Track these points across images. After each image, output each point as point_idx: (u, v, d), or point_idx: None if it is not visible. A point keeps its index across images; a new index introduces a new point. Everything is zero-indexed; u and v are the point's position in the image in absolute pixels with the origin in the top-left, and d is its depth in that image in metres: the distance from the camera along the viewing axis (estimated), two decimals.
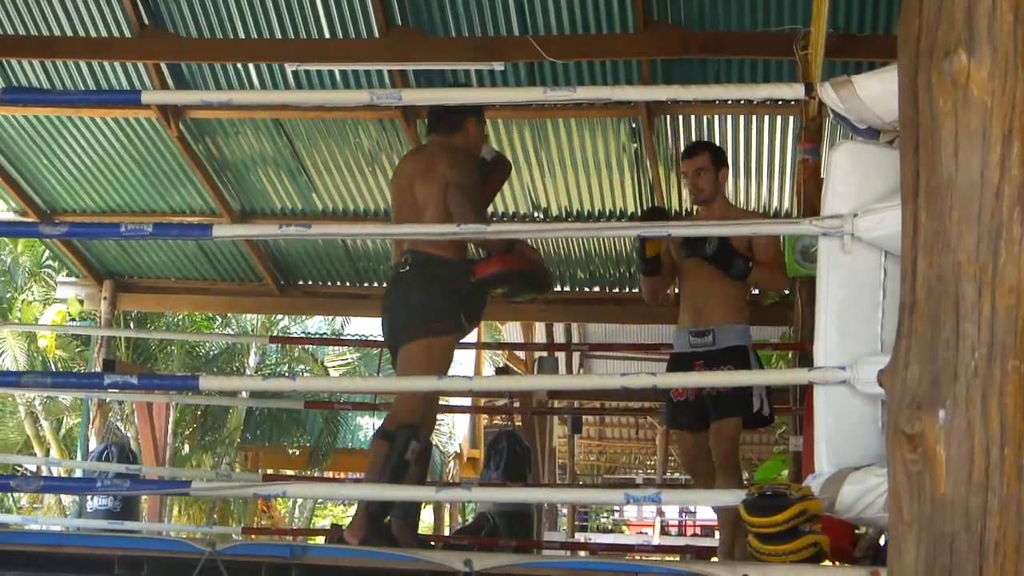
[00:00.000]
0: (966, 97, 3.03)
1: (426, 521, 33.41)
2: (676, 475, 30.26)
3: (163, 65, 11.60)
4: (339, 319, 26.40)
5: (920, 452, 3.01)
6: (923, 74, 3.11)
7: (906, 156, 3.19)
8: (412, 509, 6.90)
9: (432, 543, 7.59)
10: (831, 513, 4.22)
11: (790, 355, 10.75)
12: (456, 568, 4.18)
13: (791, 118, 11.22)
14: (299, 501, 28.68)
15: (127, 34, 11.25)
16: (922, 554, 3.01)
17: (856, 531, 6.03)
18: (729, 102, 11.40)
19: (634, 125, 11.80)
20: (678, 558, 11.13)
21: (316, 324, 27.13)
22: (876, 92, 4.39)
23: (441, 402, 15.27)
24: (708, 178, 7.53)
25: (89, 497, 13.24)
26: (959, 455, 2.96)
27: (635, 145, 12.04)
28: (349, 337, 25.83)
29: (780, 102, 11.08)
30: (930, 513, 3.00)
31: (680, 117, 11.64)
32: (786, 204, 12.45)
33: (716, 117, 11.62)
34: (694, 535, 29.43)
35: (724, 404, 7.20)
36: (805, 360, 8.45)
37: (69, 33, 11.30)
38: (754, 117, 11.56)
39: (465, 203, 6.61)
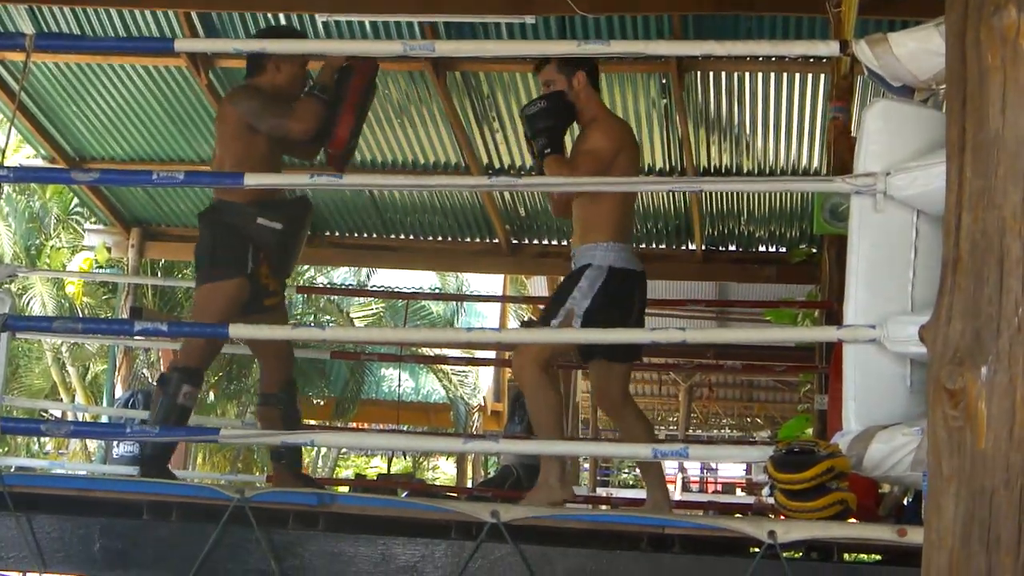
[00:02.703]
0: (1015, 53, 3.02)
1: (448, 473, 33.60)
2: (699, 432, 30.32)
3: (193, 14, 11.59)
4: (365, 270, 26.42)
5: (961, 408, 3.01)
6: (971, 30, 3.10)
7: (952, 112, 3.18)
8: (292, 456, 6.95)
9: (321, 484, 7.49)
10: (858, 471, 4.23)
11: (816, 313, 10.72)
12: (483, 519, 4.19)
13: (822, 76, 11.16)
14: (322, 451, 28.77)
15: None
16: (961, 509, 3.02)
17: (879, 490, 6.03)
18: (760, 59, 11.36)
19: (664, 81, 11.76)
20: (701, 514, 11.13)
21: (341, 275, 27.14)
22: (911, 50, 4.37)
23: (466, 354, 15.28)
24: (560, 86, 6.61)
25: (115, 443, 13.30)
26: (1000, 411, 2.96)
27: (664, 101, 12.00)
28: (375, 288, 25.86)
29: (811, 60, 11.04)
30: (970, 469, 3.00)
31: (711, 73, 11.59)
32: (815, 162, 12.41)
33: (746, 74, 11.56)
34: (715, 492, 29.51)
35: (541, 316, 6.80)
36: (832, 318, 8.45)
37: None
38: (784, 75, 11.50)
39: (261, 113, 6.66)
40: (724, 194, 12.91)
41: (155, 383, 6.76)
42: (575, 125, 6.60)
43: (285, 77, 6.91)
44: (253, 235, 6.63)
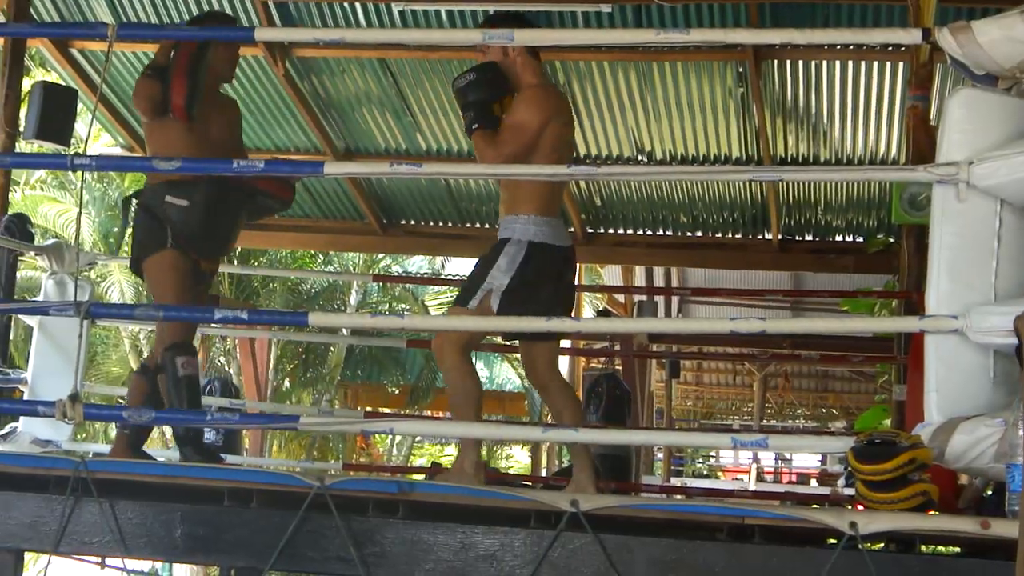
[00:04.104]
0: None
1: (522, 461, 33.63)
2: (773, 422, 30.19)
3: (270, 2, 11.65)
4: (439, 258, 26.49)
5: None
6: None
7: None
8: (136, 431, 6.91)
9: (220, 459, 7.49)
10: (940, 462, 4.20)
11: (894, 303, 10.64)
12: (563, 508, 4.20)
13: (901, 64, 11.08)
14: (397, 439, 28.86)
15: None
16: None
17: (958, 481, 5.98)
18: (838, 47, 11.28)
19: (741, 69, 11.71)
20: (777, 504, 11.09)
21: (417, 263, 27.23)
22: (996, 38, 4.33)
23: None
24: (494, 55, 6.31)
25: None
26: None
27: (741, 89, 11.95)
28: (450, 276, 25.93)
29: (890, 47, 10.96)
30: None
31: (788, 62, 11.52)
32: (893, 150, 12.32)
33: (824, 62, 11.49)
34: (790, 482, 29.38)
35: (458, 293, 6.46)
36: (911, 309, 8.39)
37: None
38: (863, 63, 11.42)
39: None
40: (801, 183, 12.86)
41: (137, 375, 6.87)
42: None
43: (220, 61, 6.94)
44: (165, 213, 6.71)
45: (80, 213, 20.69)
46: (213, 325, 11.32)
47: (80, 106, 11.78)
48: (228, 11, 11.75)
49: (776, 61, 11.50)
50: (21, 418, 9.62)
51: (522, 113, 6.08)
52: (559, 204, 6.32)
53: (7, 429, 9.65)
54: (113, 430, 22.50)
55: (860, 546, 3.95)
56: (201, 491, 4.70)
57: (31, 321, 10.68)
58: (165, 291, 6.69)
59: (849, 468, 4.30)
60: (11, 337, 11.80)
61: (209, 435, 12.99)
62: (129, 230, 7.01)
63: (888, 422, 9.47)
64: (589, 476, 6.12)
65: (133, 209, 6.92)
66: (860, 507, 4.43)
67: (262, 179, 6.93)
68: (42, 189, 23.56)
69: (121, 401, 15.90)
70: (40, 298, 10.01)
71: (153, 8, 11.86)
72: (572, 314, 6.76)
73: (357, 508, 4.47)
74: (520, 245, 6.01)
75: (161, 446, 19.59)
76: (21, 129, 10.73)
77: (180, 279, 6.68)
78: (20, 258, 10.53)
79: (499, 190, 6.46)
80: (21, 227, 9.75)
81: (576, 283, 6.55)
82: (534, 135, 6.02)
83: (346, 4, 11.59)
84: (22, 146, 11.51)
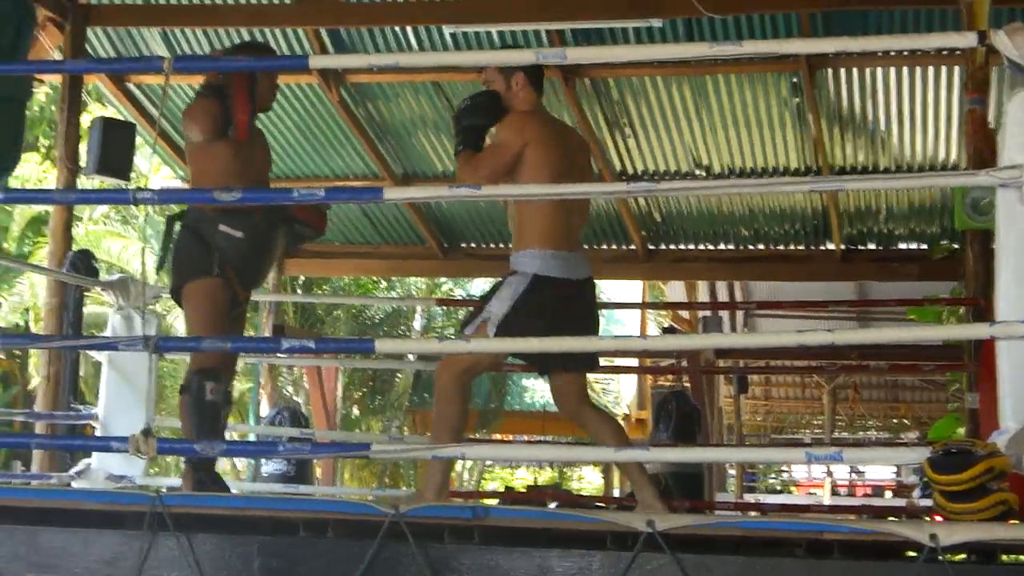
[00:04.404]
0: None
1: (593, 482, 33.56)
2: (844, 434, 29.97)
3: (323, 30, 11.72)
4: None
5: None
6: None
7: None
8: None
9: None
10: (1018, 470, 4.16)
11: (961, 310, 10.55)
12: (639, 529, 4.18)
13: (956, 68, 11.03)
14: (467, 464, 28.89)
15: (287, 0, 11.38)
16: None
17: None
18: (892, 53, 11.23)
19: (795, 80, 11.68)
20: (853, 518, 11.03)
21: (479, 286, 27.26)
22: None
23: (608, 362, 15.21)
24: (498, 86, 6.39)
25: (263, 461, 13.46)
26: None
27: (796, 100, 11.92)
28: None
29: (944, 52, 10.90)
30: None
31: (842, 70, 11.49)
32: (953, 155, 12.25)
33: (879, 69, 11.46)
34: (865, 495, 29.16)
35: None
36: (979, 315, 8.32)
37: (230, 1, 11.47)
38: (918, 68, 11.38)
39: (183, 124, 6.81)
40: (862, 192, 12.81)
41: (179, 393, 6.82)
42: None
43: (262, 89, 6.93)
44: (216, 242, 6.66)
45: (144, 247, 20.84)
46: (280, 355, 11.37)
47: (138, 139, 11.88)
48: (281, 40, 11.85)
49: (830, 70, 11.47)
50: (94, 454, 9.68)
51: (500, 135, 6.13)
52: (574, 237, 6.26)
53: (81, 466, 9.71)
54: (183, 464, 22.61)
55: (941, 558, 3.91)
56: (277, 522, 4.70)
57: (100, 357, 10.76)
58: (203, 319, 6.62)
59: (925, 479, 4.25)
60: (81, 373, 11.89)
61: (280, 465, 13.07)
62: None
63: (962, 431, 9.37)
64: (652, 493, 6.11)
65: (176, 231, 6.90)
66: (938, 518, 4.39)
67: (300, 207, 6.96)
68: (105, 224, 23.75)
69: None
70: (108, 333, 10.08)
71: (207, 40, 11.93)
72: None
73: (433, 535, 4.47)
74: (524, 277, 6.02)
75: (233, 478, 19.71)
76: (82, 165, 10.83)
77: (219, 308, 6.64)
78: (86, 294, 10.61)
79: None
80: (86, 263, 9.84)
81: (596, 312, 6.48)
82: (511, 157, 6.03)
83: (397, 29, 11.64)
84: (83, 182, 11.59)
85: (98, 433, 10.07)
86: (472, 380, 6.24)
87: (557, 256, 6.05)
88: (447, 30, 11.25)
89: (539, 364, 6.33)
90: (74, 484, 9.30)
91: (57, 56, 10.75)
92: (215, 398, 6.58)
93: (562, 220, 6.11)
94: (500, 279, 6.15)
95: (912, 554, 4.12)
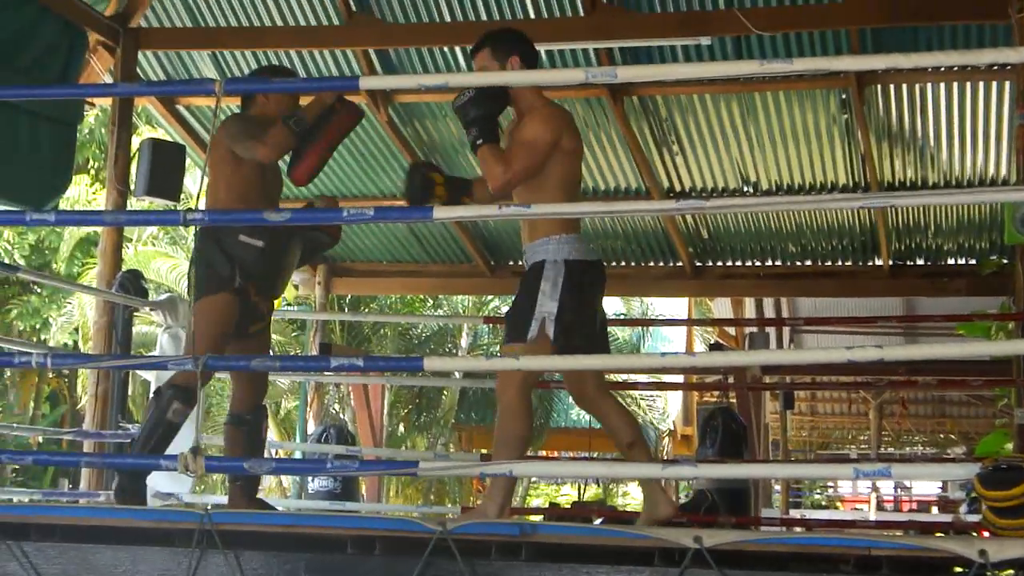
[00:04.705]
0: None
1: (638, 499, 33.49)
2: (890, 450, 29.83)
3: (371, 51, 11.75)
4: None
5: None
6: None
7: None
8: (248, 479, 6.83)
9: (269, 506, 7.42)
10: None
11: (1011, 325, 10.50)
12: (686, 545, 4.17)
13: (1007, 83, 10.98)
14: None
15: (335, 22, 11.41)
16: None
17: None
18: (941, 69, 11.19)
19: (844, 96, 11.66)
20: (901, 534, 10.95)
21: None
22: None
23: (654, 379, 15.19)
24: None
25: (310, 478, 13.50)
26: None
27: (845, 116, 11.89)
28: None
29: (995, 67, 10.85)
30: None
31: (891, 86, 11.45)
32: (1003, 171, 12.20)
33: (928, 85, 11.41)
34: (911, 510, 29.01)
35: (506, 329, 6.28)
36: None
37: (279, 23, 11.52)
38: (968, 83, 11.33)
39: (238, 136, 6.62)
40: (911, 208, 12.79)
41: (151, 396, 6.81)
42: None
43: (274, 107, 6.91)
44: (236, 252, 6.64)
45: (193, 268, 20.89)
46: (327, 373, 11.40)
47: (187, 161, 11.94)
48: (329, 61, 11.90)
49: (879, 86, 11.43)
50: None
51: (533, 131, 6.02)
52: (579, 221, 6.24)
53: None
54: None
55: (990, 574, 3.89)
56: (324, 539, 4.72)
57: (148, 376, 10.82)
58: (210, 332, 6.57)
59: (973, 495, 4.24)
60: (129, 392, 11.96)
61: (327, 482, 13.11)
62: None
63: (1010, 446, 9.32)
64: (665, 499, 6.07)
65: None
66: (986, 534, 4.37)
67: None
68: (154, 244, 23.86)
69: None
70: (156, 352, 10.14)
71: (256, 62, 11.99)
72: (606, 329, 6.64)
73: (480, 552, 4.47)
74: (557, 266, 5.95)
75: (280, 495, 19.78)
76: (131, 187, 10.89)
77: (224, 327, 6.61)
78: (135, 314, 10.67)
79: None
80: (135, 283, 9.89)
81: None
82: (544, 153, 5.96)
83: (444, 49, 11.66)
84: (133, 203, 11.66)
85: None
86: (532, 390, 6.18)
87: (578, 239, 6.04)
88: None
89: (559, 348, 6.00)
90: None
91: (108, 79, 10.83)
92: (175, 419, 6.56)
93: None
94: (529, 272, 6.04)
95: (960, 570, 4.10)
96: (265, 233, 6.66)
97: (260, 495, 7.15)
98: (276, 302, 7.15)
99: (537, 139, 5.98)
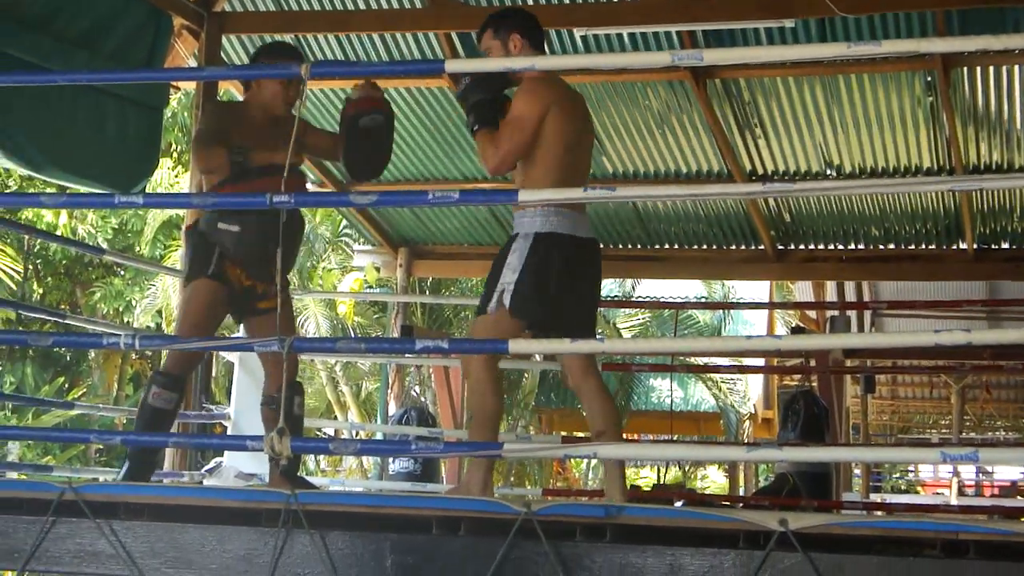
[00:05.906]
0: None
1: (717, 482, 33.45)
2: (972, 434, 29.61)
3: (454, 34, 11.75)
4: (630, 281, 26.52)
5: None
6: None
7: None
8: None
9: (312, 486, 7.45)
10: None
11: None
12: (771, 528, 4.16)
13: None
14: (592, 463, 28.90)
15: (418, 5, 11.43)
16: None
17: None
18: None
19: (929, 79, 11.54)
20: (985, 518, 10.87)
21: (607, 286, 27.28)
22: None
23: (735, 362, 15.15)
24: (496, 54, 6.38)
25: (391, 460, 13.57)
26: None
27: (931, 99, 11.78)
28: (641, 299, 25.94)
29: None
30: None
31: (978, 68, 11.32)
32: None
33: (1016, 67, 11.28)
34: (992, 495, 28.80)
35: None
36: None
37: (362, 6, 11.54)
38: None
39: (195, 140, 7.04)
40: (996, 191, 12.64)
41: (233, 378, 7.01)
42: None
43: (267, 94, 7.05)
44: (217, 239, 6.76)
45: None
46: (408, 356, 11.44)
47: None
48: (412, 44, 11.91)
49: (966, 68, 11.31)
50: (226, 452, 9.81)
51: (517, 108, 6.02)
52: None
53: (213, 464, 9.87)
54: (312, 461, 22.83)
55: None
56: (409, 520, 4.74)
57: (232, 357, 10.91)
58: (190, 316, 6.77)
59: None
60: (213, 374, 12.06)
61: (407, 464, 13.18)
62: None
63: None
64: (620, 489, 6.11)
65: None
66: None
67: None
68: None
69: (319, 433, 16.20)
70: (240, 334, 10.23)
71: (339, 46, 12.03)
72: (597, 312, 6.62)
73: (564, 533, 4.49)
74: (526, 239, 5.97)
75: (360, 476, 19.86)
76: None
77: (205, 310, 6.78)
78: None
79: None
80: None
81: (600, 274, 6.37)
82: (532, 127, 5.96)
83: None
84: None
85: (229, 432, 10.22)
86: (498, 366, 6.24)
87: (561, 213, 5.99)
88: (578, 33, 11.23)
89: (541, 329, 6.13)
90: (205, 482, 9.46)
91: (192, 63, 10.89)
92: (156, 403, 6.69)
93: (566, 179, 6.04)
94: (504, 245, 6.10)
95: None
96: (244, 220, 6.72)
97: (341, 475, 7.21)
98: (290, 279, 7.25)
99: (522, 115, 5.99)
